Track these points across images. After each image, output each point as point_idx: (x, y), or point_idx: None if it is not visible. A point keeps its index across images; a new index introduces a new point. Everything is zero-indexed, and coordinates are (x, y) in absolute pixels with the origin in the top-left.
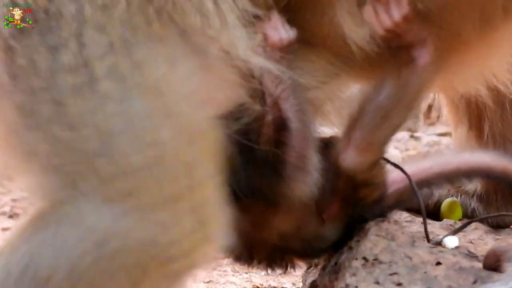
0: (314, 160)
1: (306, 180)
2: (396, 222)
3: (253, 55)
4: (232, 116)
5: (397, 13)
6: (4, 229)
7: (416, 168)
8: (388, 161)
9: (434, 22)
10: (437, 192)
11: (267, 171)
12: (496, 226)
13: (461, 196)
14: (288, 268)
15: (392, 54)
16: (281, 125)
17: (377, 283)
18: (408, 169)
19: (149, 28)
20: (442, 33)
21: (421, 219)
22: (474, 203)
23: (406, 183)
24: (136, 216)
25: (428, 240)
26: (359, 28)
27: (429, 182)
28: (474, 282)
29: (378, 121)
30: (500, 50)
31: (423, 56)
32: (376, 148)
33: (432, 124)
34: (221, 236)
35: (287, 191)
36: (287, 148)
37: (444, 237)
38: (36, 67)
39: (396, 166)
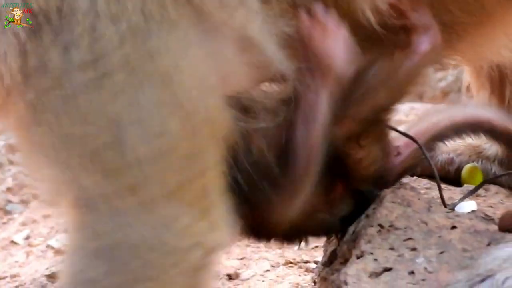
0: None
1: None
2: (413, 188)
3: (269, 41)
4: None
5: None
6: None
7: (424, 126)
8: (395, 129)
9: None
10: (458, 158)
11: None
12: None
13: (482, 161)
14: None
15: (394, 33)
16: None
17: (392, 248)
18: (416, 130)
19: (162, 14)
20: (468, 8)
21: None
22: (495, 168)
23: (415, 148)
24: (138, 213)
25: (445, 205)
26: None
27: (438, 137)
28: (488, 244)
29: (359, 97)
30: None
31: (423, 44)
32: (352, 123)
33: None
34: (228, 223)
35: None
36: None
37: (459, 201)
38: (47, 67)
39: (403, 133)
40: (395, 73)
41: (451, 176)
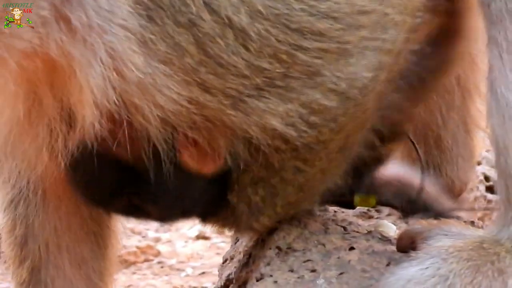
0: None
1: None
2: (308, 211)
3: None
4: None
5: None
6: None
7: None
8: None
9: None
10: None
11: None
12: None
13: None
14: None
15: None
16: None
17: (292, 270)
18: None
19: None
20: None
21: (334, 208)
22: None
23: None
24: None
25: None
26: None
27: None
28: (388, 264)
29: None
30: None
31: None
32: None
33: None
34: None
35: None
36: None
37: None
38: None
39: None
40: None
41: (345, 200)
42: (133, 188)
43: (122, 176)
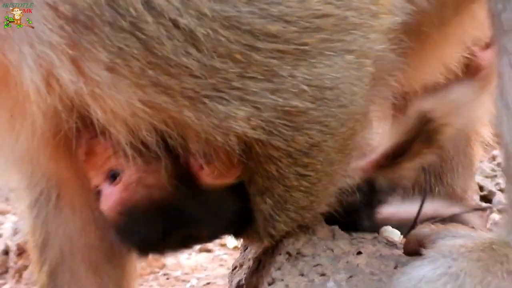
0: None
1: None
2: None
3: None
4: None
5: None
6: None
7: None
8: None
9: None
10: None
11: None
12: None
13: None
14: None
15: None
16: None
17: (302, 274)
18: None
19: None
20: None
21: None
22: None
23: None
24: None
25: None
26: None
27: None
28: (395, 267)
29: None
30: (451, 43)
31: None
32: None
33: None
34: None
35: None
36: None
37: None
38: None
39: None
40: None
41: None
42: (180, 221)
43: (165, 214)
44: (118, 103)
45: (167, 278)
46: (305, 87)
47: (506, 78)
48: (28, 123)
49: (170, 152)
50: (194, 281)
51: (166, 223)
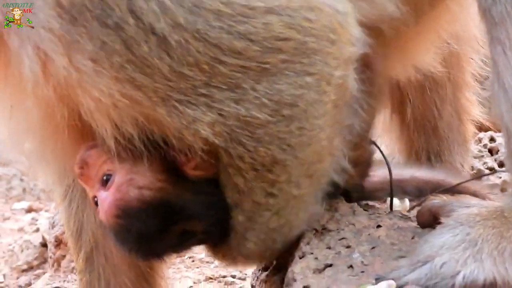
0: None
1: None
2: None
3: None
4: None
5: None
6: None
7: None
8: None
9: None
10: None
11: None
12: None
13: None
14: None
15: None
16: None
17: (329, 247)
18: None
19: None
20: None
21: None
22: None
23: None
24: None
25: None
26: None
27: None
28: (413, 237)
29: None
30: (427, 36)
31: None
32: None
33: None
34: None
35: None
36: None
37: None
38: None
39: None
40: None
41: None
42: (174, 215)
43: (159, 210)
44: (101, 92)
45: (193, 261)
46: (266, 101)
47: (501, 65)
48: (51, 121)
49: (156, 149)
50: (217, 262)
51: (161, 218)
